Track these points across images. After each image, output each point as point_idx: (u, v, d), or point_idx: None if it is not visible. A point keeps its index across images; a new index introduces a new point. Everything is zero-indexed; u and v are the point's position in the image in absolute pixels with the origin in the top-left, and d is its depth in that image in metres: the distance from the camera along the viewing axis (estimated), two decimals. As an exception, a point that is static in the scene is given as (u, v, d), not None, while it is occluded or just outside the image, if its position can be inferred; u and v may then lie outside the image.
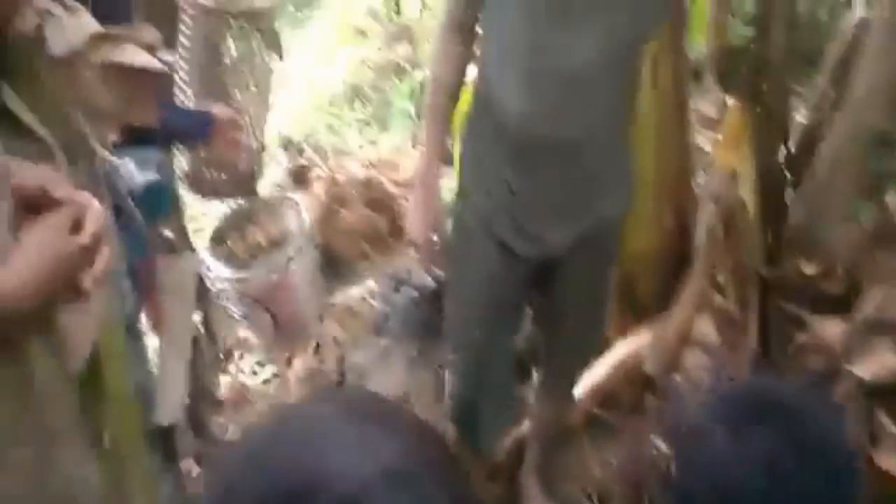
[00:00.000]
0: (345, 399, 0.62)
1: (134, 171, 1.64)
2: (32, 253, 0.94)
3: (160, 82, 1.41)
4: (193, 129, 1.83)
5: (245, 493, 0.51)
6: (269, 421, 0.57)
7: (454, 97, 1.71)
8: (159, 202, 2.07)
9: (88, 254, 1.00)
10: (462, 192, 1.76)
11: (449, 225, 1.81)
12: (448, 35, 1.66)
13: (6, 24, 1.23)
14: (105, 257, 1.03)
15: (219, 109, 1.88)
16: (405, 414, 0.60)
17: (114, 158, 1.61)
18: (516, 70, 1.54)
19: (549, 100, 1.54)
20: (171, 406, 1.79)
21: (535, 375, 2.04)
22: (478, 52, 1.72)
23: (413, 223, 1.76)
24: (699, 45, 3.41)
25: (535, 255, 1.72)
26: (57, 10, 1.31)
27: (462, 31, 1.65)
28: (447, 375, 1.98)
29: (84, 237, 0.99)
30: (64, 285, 0.97)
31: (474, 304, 1.79)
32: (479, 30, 1.67)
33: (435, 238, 1.77)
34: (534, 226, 1.68)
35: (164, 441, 1.81)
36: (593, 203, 1.69)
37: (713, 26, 3.28)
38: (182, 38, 2.03)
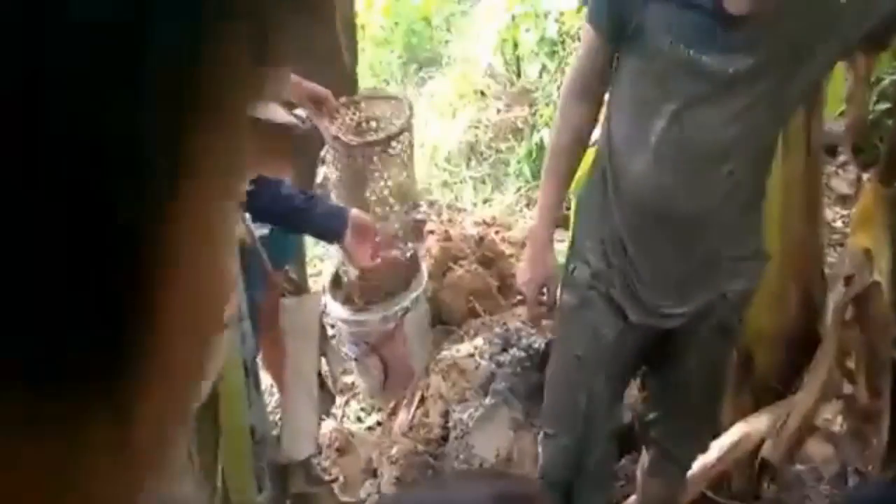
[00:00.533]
0: (508, 487, 0.65)
1: (252, 226, 1.70)
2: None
3: (298, 140, 1.47)
4: (325, 223, 1.80)
5: None
6: (437, 486, 0.61)
7: (574, 162, 1.70)
8: (285, 246, 2.15)
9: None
10: (577, 252, 1.74)
11: (560, 284, 1.78)
12: (574, 99, 1.64)
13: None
14: (231, 303, 1.07)
15: (357, 213, 1.85)
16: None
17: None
18: (645, 142, 1.51)
19: (676, 175, 1.51)
20: (301, 441, 1.80)
21: (644, 452, 1.95)
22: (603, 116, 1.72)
23: (523, 278, 1.76)
24: (834, 119, 3.30)
25: (651, 324, 1.67)
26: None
27: (589, 96, 1.63)
28: (540, 450, 1.90)
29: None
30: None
31: (581, 368, 1.73)
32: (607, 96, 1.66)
33: (544, 295, 1.75)
34: (650, 297, 1.64)
35: (280, 478, 1.83)
36: (715, 280, 1.62)
37: (850, 100, 3.17)
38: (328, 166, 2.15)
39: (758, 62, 1.40)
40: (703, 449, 1.93)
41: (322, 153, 2.30)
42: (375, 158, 2.21)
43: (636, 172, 1.55)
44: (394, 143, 2.26)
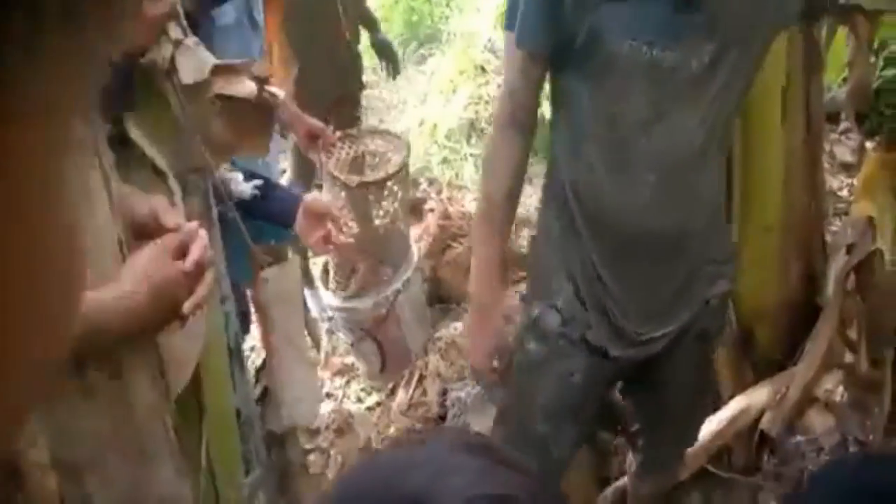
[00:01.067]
0: (462, 435, 0.66)
1: (242, 185, 1.70)
2: (136, 274, 0.97)
3: (271, 116, 1.44)
4: (277, 208, 1.76)
5: (366, 501, 0.56)
6: (393, 446, 0.63)
7: (515, 208, 1.51)
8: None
9: (190, 280, 1.03)
10: (540, 297, 1.55)
11: (521, 330, 1.60)
12: (511, 133, 1.45)
13: (141, 54, 1.31)
14: (206, 285, 1.06)
15: (311, 198, 1.81)
16: (515, 456, 0.63)
17: (225, 172, 1.69)
18: (615, 163, 1.39)
19: (653, 190, 1.39)
20: (306, 404, 1.79)
21: (632, 455, 1.90)
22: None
23: (473, 351, 1.57)
24: (837, 85, 3.25)
25: (634, 356, 1.54)
26: (188, 40, 1.38)
27: (526, 126, 1.46)
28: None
29: (187, 264, 1.02)
30: (164, 308, 1.00)
31: (549, 419, 1.56)
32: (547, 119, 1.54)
33: (496, 364, 1.56)
34: (634, 327, 1.50)
35: (278, 449, 1.84)
36: (699, 290, 1.53)
37: (852, 66, 3.12)
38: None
39: (717, 48, 1.32)
40: (691, 445, 1.87)
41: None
42: (371, 197, 2.27)
43: (609, 197, 1.42)
44: (389, 183, 2.30)
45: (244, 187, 1.72)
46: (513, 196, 1.48)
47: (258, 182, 1.81)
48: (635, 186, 1.39)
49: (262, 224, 1.73)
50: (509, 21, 1.40)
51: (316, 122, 2.03)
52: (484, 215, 1.51)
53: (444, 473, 0.55)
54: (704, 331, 1.60)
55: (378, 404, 2.73)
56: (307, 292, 3.16)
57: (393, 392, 2.70)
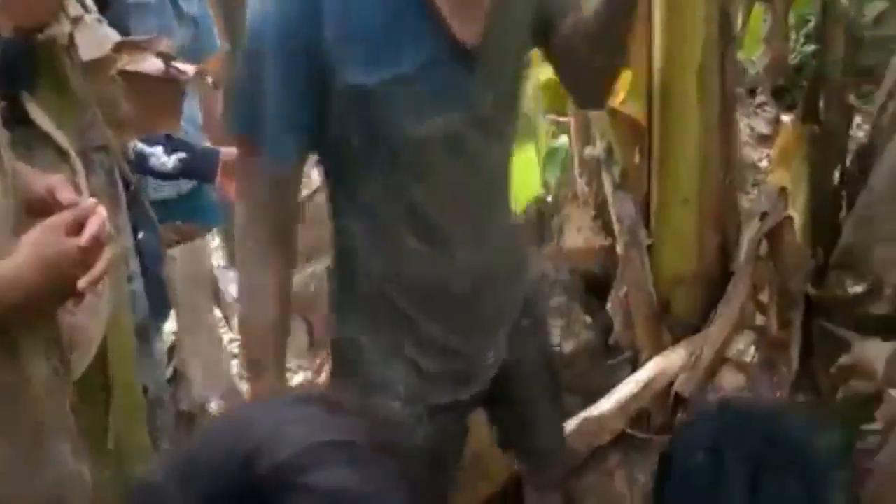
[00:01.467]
0: (305, 391, 0.70)
1: (164, 157, 1.72)
2: (28, 250, 0.98)
3: (179, 92, 1.45)
4: (196, 165, 1.81)
5: (205, 459, 0.57)
6: (237, 407, 0.66)
7: (289, 328, 1.33)
8: (206, 206, 2.14)
9: (86, 256, 1.03)
10: (378, 391, 1.40)
11: None
12: (270, 257, 1.27)
13: (40, 29, 1.29)
14: (104, 261, 1.06)
15: (227, 151, 1.82)
16: (353, 403, 0.65)
17: (145, 147, 1.70)
18: (421, 236, 1.33)
19: (468, 252, 1.37)
20: (216, 378, 1.80)
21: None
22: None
23: None
24: (755, 59, 3.34)
25: (487, 383, 1.51)
26: (88, 17, 1.37)
27: (291, 237, 1.33)
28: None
29: (82, 239, 1.02)
30: (57, 284, 1.00)
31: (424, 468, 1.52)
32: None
33: None
34: (483, 365, 1.48)
35: (188, 427, 1.86)
36: (517, 297, 1.54)
37: (769, 40, 3.21)
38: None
39: (497, 92, 1.30)
40: (562, 428, 1.87)
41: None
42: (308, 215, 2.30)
43: (427, 268, 1.36)
44: (315, 198, 2.32)
45: (164, 160, 1.74)
46: (286, 323, 1.30)
47: (181, 155, 1.83)
48: (453, 255, 1.36)
49: (172, 203, 1.74)
50: (249, 125, 1.22)
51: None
52: (259, 354, 1.27)
53: (282, 424, 0.57)
54: (533, 318, 1.61)
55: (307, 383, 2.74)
56: (233, 273, 3.15)
57: (318, 370, 2.72)
